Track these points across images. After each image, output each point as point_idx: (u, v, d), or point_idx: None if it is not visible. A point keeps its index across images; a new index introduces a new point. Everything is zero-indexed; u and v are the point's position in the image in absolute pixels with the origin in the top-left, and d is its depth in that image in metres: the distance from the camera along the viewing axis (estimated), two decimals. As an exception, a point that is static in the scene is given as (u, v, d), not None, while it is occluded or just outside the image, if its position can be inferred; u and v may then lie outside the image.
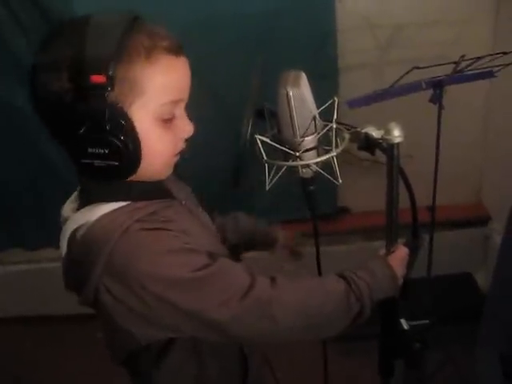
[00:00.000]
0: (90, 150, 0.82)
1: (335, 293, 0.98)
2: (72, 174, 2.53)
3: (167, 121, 0.90)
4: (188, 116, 0.94)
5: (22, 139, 2.40)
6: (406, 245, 1.16)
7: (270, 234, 1.35)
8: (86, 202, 0.94)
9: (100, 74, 0.78)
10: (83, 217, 0.92)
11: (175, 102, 0.89)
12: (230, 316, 0.89)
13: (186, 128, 0.93)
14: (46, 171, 2.46)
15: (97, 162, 0.84)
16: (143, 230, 0.88)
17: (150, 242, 0.87)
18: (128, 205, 0.92)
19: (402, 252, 1.11)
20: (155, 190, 0.98)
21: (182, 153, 0.96)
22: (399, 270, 1.07)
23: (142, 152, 0.86)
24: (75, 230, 0.92)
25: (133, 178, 0.90)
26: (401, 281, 1.08)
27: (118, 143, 0.82)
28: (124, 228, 0.86)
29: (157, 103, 0.86)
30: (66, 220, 0.97)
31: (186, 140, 0.95)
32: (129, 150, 0.83)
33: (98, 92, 0.79)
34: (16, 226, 2.67)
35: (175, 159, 0.96)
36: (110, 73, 0.79)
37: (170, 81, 0.87)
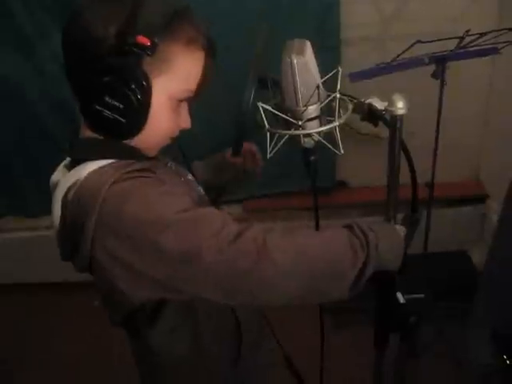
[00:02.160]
0: (106, 98, 0.88)
1: (337, 238, 0.91)
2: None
3: (177, 105, 0.97)
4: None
5: (21, 107, 2.39)
6: (404, 219, 1.16)
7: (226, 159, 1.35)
8: (74, 163, 0.97)
9: (147, 36, 0.85)
10: (73, 178, 0.93)
11: (189, 92, 0.97)
12: (223, 258, 0.83)
13: (186, 120, 1.02)
14: (45, 139, 2.46)
15: (106, 113, 0.89)
16: (128, 179, 0.89)
17: (137, 189, 0.89)
18: (116, 161, 0.95)
19: (401, 229, 1.10)
20: (142, 153, 1.00)
21: (173, 140, 1.03)
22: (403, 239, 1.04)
23: (148, 122, 0.92)
24: (67, 192, 0.92)
25: (127, 141, 0.95)
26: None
27: (134, 103, 0.88)
28: (112, 180, 0.87)
29: (177, 86, 0.94)
30: (55, 186, 0.98)
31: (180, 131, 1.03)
32: (139, 113, 0.90)
33: (139, 52, 0.85)
34: (14, 193, 2.68)
35: (167, 142, 1.03)
36: (156, 40, 0.86)
37: (195, 72, 0.95)
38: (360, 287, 0.91)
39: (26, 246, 2.82)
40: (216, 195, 1.30)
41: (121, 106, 0.88)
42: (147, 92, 0.89)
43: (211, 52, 0.97)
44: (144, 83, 0.88)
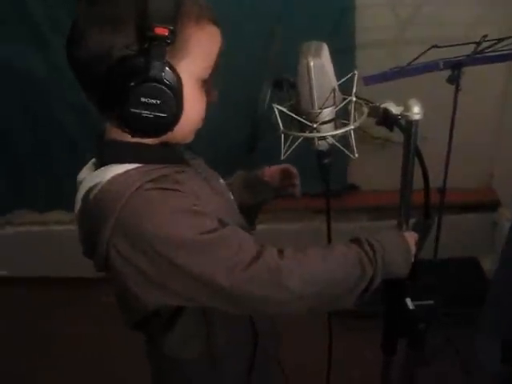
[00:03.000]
0: (142, 99, 0.85)
1: (346, 257, 0.95)
2: (81, 136, 2.54)
3: (203, 83, 0.94)
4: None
5: (34, 102, 2.40)
6: (417, 224, 1.15)
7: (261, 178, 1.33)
8: (101, 164, 0.95)
9: (164, 26, 0.82)
10: (96, 178, 0.92)
11: (211, 67, 0.94)
12: (236, 282, 0.87)
13: (212, 93, 0.98)
14: (57, 132, 2.47)
15: (145, 113, 0.86)
16: (153, 189, 0.88)
17: (159, 202, 0.87)
18: (141, 166, 0.92)
19: (413, 234, 1.10)
20: (170, 156, 0.98)
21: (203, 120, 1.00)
22: (412, 245, 1.05)
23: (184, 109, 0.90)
24: (88, 191, 0.92)
25: (164, 136, 0.92)
26: (412, 258, 1.05)
27: (171, 95, 0.85)
28: (135, 187, 0.87)
29: (199, 66, 0.92)
30: (80, 183, 0.97)
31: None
32: (177, 104, 0.87)
33: (160, 44, 0.83)
34: (25, 187, 2.69)
35: (200, 125, 0.99)
36: (172, 28, 0.83)
37: (211, 47, 0.93)
38: (366, 297, 0.97)
39: (36, 240, 2.83)
40: (250, 215, 1.27)
41: (158, 102, 0.85)
42: (178, 80, 0.86)
43: (216, 21, 0.93)
44: (173, 74, 0.86)
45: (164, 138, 0.93)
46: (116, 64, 0.84)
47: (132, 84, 0.83)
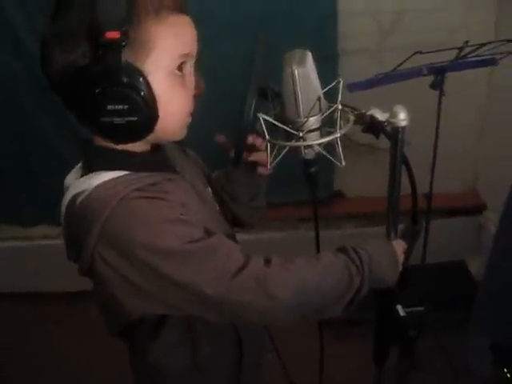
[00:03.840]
0: (109, 107, 0.84)
1: (334, 266, 0.95)
2: (67, 149, 2.51)
3: (180, 76, 0.92)
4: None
5: (17, 113, 2.38)
6: (405, 231, 1.15)
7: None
8: (87, 170, 0.95)
9: (114, 30, 0.80)
10: (83, 184, 0.92)
11: (184, 56, 0.91)
12: (222, 292, 0.87)
13: (196, 84, 0.95)
14: (41, 146, 2.45)
15: (116, 120, 0.85)
16: (140, 198, 0.88)
17: (146, 210, 0.87)
18: (128, 174, 0.92)
19: (401, 243, 1.10)
20: (157, 163, 0.98)
21: (192, 113, 0.97)
22: (399, 254, 1.05)
23: (160, 108, 0.88)
24: (74, 197, 0.92)
25: (145, 140, 0.92)
26: (400, 267, 1.06)
27: (137, 97, 0.84)
28: (121, 195, 0.86)
29: (167, 58, 0.88)
30: (67, 189, 0.97)
31: (195, 98, 0.97)
32: (147, 104, 0.85)
33: (114, 48, 0.81)
34: (9, 201, 2.65)
35: (189, 119, 0.97)
36: (123, 29, 0.81)
37: (176, 36, 0.89)
38: (354, 306, 0.97)
39: (21, 255, 2.79)
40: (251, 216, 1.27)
41: (126, 107, 0.84)
42: (144, 81, 0.85)
43: (180, 8, 0.90)
44: (137, 75, 0.84)
45: (153, 138, 0.92)
46: (79, 76, 0.84)
47: (95, 93, 0.83)
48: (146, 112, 0.85)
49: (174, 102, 0.91)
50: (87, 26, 0.82)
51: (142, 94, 0.84)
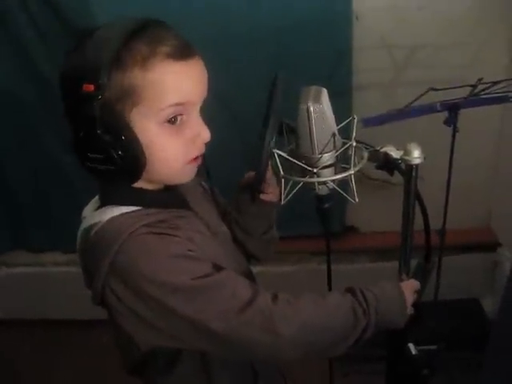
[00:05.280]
0: (89, 154, 0.87)
1: (340, 306, 0.96)
2: (79, 177, 2.53)
3: (175, 126, 0.90)
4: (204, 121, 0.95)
5: (32, 144, 2.40)
6: (417, 268, 1.15)
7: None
8: (102, 203, 0.97)
9: (90, 82, 0.83)
10: (97, 217, 0.94)
11: (178, 106, 0.89)
12: (227, 327, 0.87)
13: (200, 133, 0.94)
14: (53, 173, 2.46)
15: (98, 166, 0.88)
16: (149, 233, 0.89)
17: (154, 246, 0.88)
18: (139, 210, 0.94)
19: (413, 283, 1.10)
20: (170, 199, 0.99)
21: (197, 159, 0.97)
22: (409, 297, 1.05)
23: (150, 158, 0.89)
24: (87, 229, 0.95)
25: (149, 182, 0.94)
26: (409, 310, 1.05)
27: (111, 150, 0.85)
28: (131, 231, 0.88)
29: (157, 108, 0.87)
30: (83, 219, 1.00)
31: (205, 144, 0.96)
32: (125, 156, 0.86)
33: (88, 100, 0.83)
34: (21, 227, 2.66)
35: (191, 165, 0.96)
36: (99, 81, 0.82)
37: (169, 86, 0.87)
38: (358, 346, 0.97)
39: (32, 281, 2.79)
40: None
41: (102, 157, 0.86)
42: (125, 132, 0.86)
43: (180, 54, 0.87)
44: (114, 127, 0.85)
45: (156, 180, 0.95)
46: (69, 117, 0.88)
47: (78, 139, 0.86)
48: (124, 162, 0.87)
49: (166, 149, 0.91)
50: (69, 73, 0.86)
51: (118, 145, 0.85)
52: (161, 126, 0.89)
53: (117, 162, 0.86)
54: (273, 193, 1.15)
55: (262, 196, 1.15)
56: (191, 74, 0.89)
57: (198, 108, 0.93)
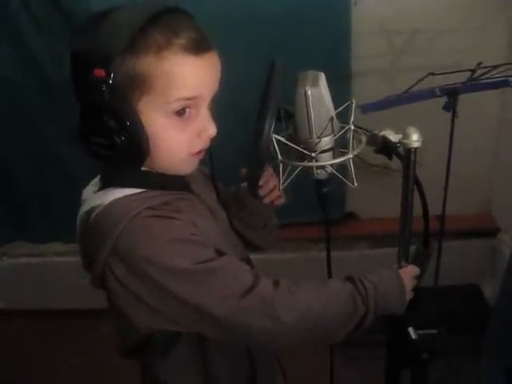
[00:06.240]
0: (94, 138, 0.86)
1: (340, 294, 0.97)
2: (79, 167, 2.53)
3: (183, 119, 0.90)
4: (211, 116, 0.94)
5: (32, 133, 2.40)
6: (416, 253, 1.15)
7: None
8: (103, 185, 0.97)
9: (101, 67, 0.82)
10: (98, 199, 0.94)
11: (188, 100, 0.88)
12: (229, 312, 0.88)
13: (206, 127, 0.93)
14: (54, 163, 2.46)
15: (101, 151, 0.87)
16: (152, 216, 0.89)
17: (157, 229, 0.88)
18: (142, 192, 0.93)
19: (413, 269, 1.10)
20: (172, 182, 0.98)
21: (201, 152, 0.96)
22: (408, 283, 1.05)
23: (155, 148, 0.89)
24: (89, 211, 0.94)
25: (151, 167, 0.94)
26: (409, 295, 1.06)
27: (115, 137, 0.85)
28: (134, 213, 0.88)
29: (166, 100, 0.86)
30: (84, 201, 1.00)
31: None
32: (128, 144, 0.86)
33: (98, 85, 0.82)
34: (22, 218, 2.67)
35: (195, 158, 0.96)
36: (111, 67, 0.82)
37: (181, 79, 0.86)
38: (357, 333, 0.98)
39: (33, 271, 2.81)
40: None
41: (106, 142, 0.86)
42: (131, 120, 0.85)
43: (195, 48, 0.86)
44: (121, 113, 0.84)
45: (152, 167, 0.94)
46: (76, 97, 0.88)
47: (83, 122, 0.86)
48: (127, 149, 0.86)
49: (171, 140, 0.91)
50: (81, 54, 0.85)
51: (122, 133, 0.85)
52: (168, 117, 0.88)
53: (120, 149, 0.86)
54: (273, 192, 1.16)
55: (261, 194, 1.15)
56: (204, 69, 0.89)
57: (207, 102, 0.92)
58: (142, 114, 0.86)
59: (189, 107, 0.89)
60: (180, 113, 0.89)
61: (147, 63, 0.83)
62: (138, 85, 0.84)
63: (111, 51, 0.82)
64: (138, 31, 0.82)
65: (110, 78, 0.82)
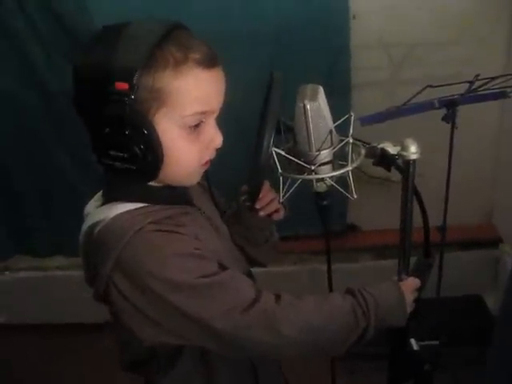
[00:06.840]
0: (110, 152, 0.86)
1: (341, 307, 0.98)
2: (81, 181, 2.52)
3: (194, 131, 0.91)
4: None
5: (34, 146, 2.41)
6: (417, 264, 1.15)
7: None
8: (107, 200, 0.97)
9: (124, 81, 0.82)
10: (101, 213, 0.94)
11: (202, 114, 0.91)
12: (231, 327, 0.89)
13: (214, 138, 0.95)
14: (57, 178, 2.47)
15: (117, 164, 0.87)
16: (155, 231, 0.90)
17: (161, 244, 0.89)
18: (145, 206, 0.94)
19: (414, 281, 1.10)
20: (175, 196, 1.00)
21: (208, 162, 0.98)
22: (409, 296, 1.06)
23: (166, 159, 0.89)
24: (92, 226, 0.95)
25: (156, 181, 0.94)
26: (410, 307, 1.06)
27: (136, 149, 0.85)
28: (137, 228, 0.88)
29: (182, 114, 0.88)
30: (87, 216, 1.00)
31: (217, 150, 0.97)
32: (147, 156, 0.87)
33: (121, 98, 0.82)
34: (24, 232, 2.67)
35: (202, 169, 0.98)
36: (134, 81, 0.82)
37: (196, 93, 0.88)
38: (358, 346, 0.99)
39: (35, 285, 2.80)
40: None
41: (126, 156, 0.86)
42: (150, 133, 0.86)
43: (208, 63, 0.89)
44: (141, 127, 0.85)
45: (158, 181, 0.94)
46: (92, 113, 0.86)
47: (101, 135, 0.85)
48: (146, 163, 0.87)
49: (183, 153, 0.92)
50: (100, 68, 0.84)
51: (143, 146, 0.85)
52: (182, 130, 0.90)
53: (138, 161, 0.86)
54: (270, 205, 1.17)
55: (259, 207, 1.16)
56: (216, 83, 0.91)
57: (216, 114, 0.94)
58: (158, 127, 0.87)
59: (202, 121, 0.92)
60: (195, 126, 0.91)
61: (165, 77, 0.85)
62: (156, 98, 0.86)
63: (132, 65, 0.82)
64: (155, 46, 0.84)
65: (132, 92, 0.82)
